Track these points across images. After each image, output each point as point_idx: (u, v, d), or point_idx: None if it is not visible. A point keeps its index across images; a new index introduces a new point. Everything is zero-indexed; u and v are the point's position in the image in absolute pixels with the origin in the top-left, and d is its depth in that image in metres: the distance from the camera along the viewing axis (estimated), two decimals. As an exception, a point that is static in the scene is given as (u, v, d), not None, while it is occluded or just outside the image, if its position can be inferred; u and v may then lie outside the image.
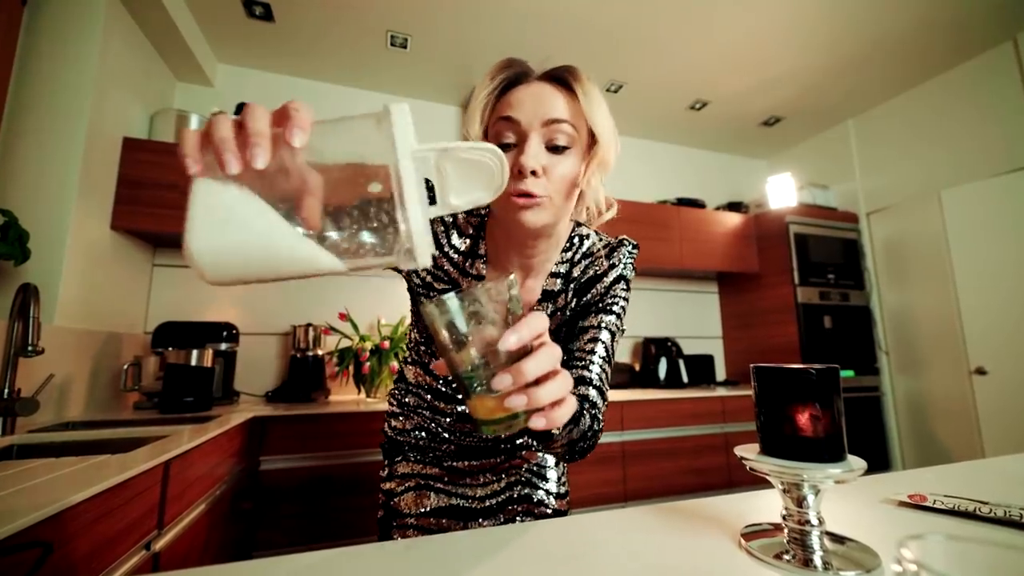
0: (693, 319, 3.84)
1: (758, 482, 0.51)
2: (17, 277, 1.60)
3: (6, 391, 1.40)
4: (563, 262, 0.82)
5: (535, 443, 0.60)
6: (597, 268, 0.81)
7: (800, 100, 3.38)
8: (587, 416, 0.66)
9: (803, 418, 0.48)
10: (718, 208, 3.71)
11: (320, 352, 2.56)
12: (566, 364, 0.75)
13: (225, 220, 0.36)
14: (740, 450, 0.52)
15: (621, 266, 0.81)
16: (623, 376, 3.25)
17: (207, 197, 0.36)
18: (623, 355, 3.50)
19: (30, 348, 1.41)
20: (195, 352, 2.07)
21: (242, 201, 0.37)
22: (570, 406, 0.46)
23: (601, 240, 0.84)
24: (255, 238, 0.36)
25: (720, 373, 3.79)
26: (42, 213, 1.75)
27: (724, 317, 3.92)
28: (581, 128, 0.70)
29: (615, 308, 0.79)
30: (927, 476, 0.81)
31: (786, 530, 0.50)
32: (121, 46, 2.10)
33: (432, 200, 0.43)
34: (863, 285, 3.47)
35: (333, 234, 0.39)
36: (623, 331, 0.81)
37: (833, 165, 3.78)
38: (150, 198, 2.16)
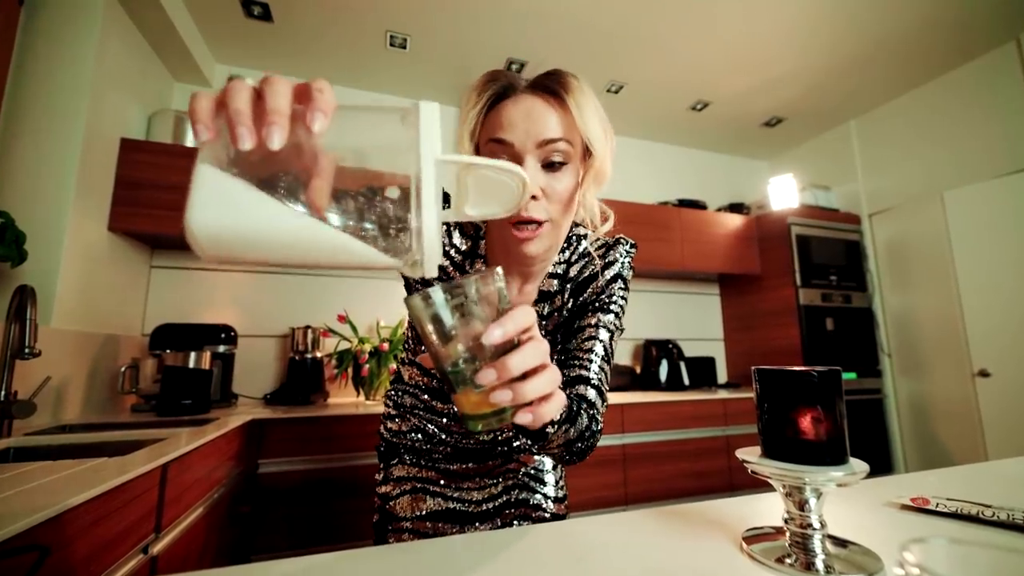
0: (694, 321, 3.83)
1: (759, 485, 0.50)
2: (14, 279, 1.60)
3: (2, 394, 1.40)
4: (560, 263, 0.81)
5: (530, 442, 0.59)
6: (593, 267, 0.80)
7: (802, 101, 3.37)
8: (584, 416, 0.64)
9: (805, 421, 0.48)
10: (719, 209, 3.70)
11: (319, 354, 2.56)
12: (564, 364, 0.75)
13: (229, 194, 0.34)
14: (742, 453, 0.52)
15: (618, 265, 0.80)
16: (624, 378, 3.24)
17: (213, 169, 0.35)
18: (624, 357, 3.49)
19: (27, 350, 1.41)
20: (193, 354, 2.06)
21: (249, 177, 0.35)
22: (558, 402, 0.46)
23: (597, 239, 0.83)
24: (258, 216, 0.35)
25: (721, 375, 3.78)
26: (39, 214, 1.74)
27: (725, 319, 3.91)
28: (576, 142, 0.68)
29: (613, 307, 0.78)
30: (930, 479, 0.80)
31: (788, 534, 0.50)
32: (119, 46, 2.10)
33: (445, 205, 0.43)
34: (865, 287, 3.45)
35: (336, 221, 0.37)
36: (622, 331, 0.80)
37: (835, 166, 3.77)
38: (148, 199, 2.16)
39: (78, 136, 1.85)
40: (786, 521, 0.50)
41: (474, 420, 0.44)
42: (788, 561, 0.47)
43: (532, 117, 0.66)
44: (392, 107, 0.38)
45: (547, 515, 0.91)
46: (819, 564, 0.46)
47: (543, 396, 0.44)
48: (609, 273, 0.80)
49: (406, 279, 0.83)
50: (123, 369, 2.03)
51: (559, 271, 0.81)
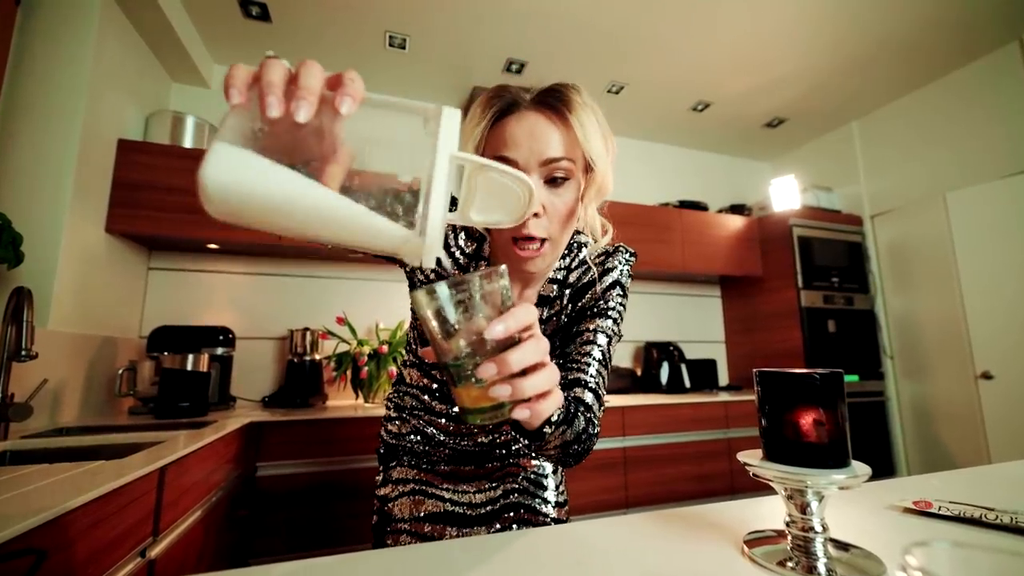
0: (695, 323, 3.82)
1: (761, 488, 0.50)
2: (10, 281, 1.60)
3: (-1, 396, 1.39)
4: (560, 268, 0.83)
5: (527, 442, 0.59)
6: (592, 273, 0.82)
7: (804, 101, 3.36)
8: (581, 418, 0.65)
9: (807, 423, 0.48)
10: (720, 211, 3.69)
11: (318, 357, 2.55)
12: (562, 368, 0.75)
13: (245, 156, 0.36)
14: (743, 456, 0.52)
15: (617, 272, 0.82)
16: (624, 381, 3.23)
17: (237, 131, 0.36)
18: (625, 359, 3.48)
19: (23, 353, 1.41)
20: (191, 357, 2.06)
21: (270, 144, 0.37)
22: (556, 400, 0.48)
23: (598, 247, 0.85)
24: (268, 177, 0.36)
25: (723, 378, 3.76)
26: (36, 216, 1.74)
27: (727, 321, 3.90)
28: (578, 158, 0.70)
29: (611, 313, 0.79)
30: (932, 482, 0.81)
31: (789, 537, 0.49)
32: (116, 46, 2.10)
33: (452, 208, 0.46)
34: (867, 289, 3.44)
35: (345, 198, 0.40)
36: (620, 337, 0.81)
37: (837, 167, 3.76)
38: (145, 200, 2.15)
39: (75, 137, 1.84)
40: (788, 524, 0.49)
41: (473, 414, 0.45)
42: (790, 564, 0.47)
43: (535, 135, 0.68)
44: (416, 107, 0.41)
45: (547, 520, 0.91)
46: (821, 568, 0.46)
47: (541, 393, 0.45)
48: (608, 280, 0.81)
49: (410, 278, 0.85)
50: (120, 371, 2.03)
51: (559, 276, 0.83)
